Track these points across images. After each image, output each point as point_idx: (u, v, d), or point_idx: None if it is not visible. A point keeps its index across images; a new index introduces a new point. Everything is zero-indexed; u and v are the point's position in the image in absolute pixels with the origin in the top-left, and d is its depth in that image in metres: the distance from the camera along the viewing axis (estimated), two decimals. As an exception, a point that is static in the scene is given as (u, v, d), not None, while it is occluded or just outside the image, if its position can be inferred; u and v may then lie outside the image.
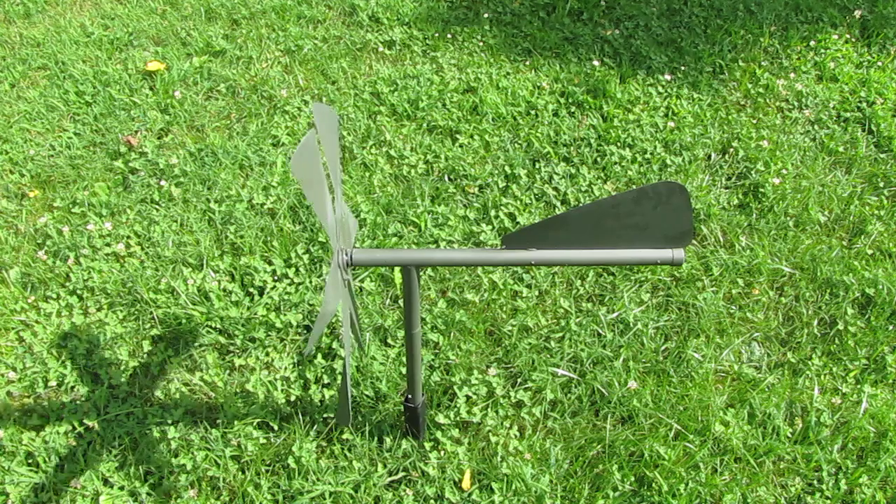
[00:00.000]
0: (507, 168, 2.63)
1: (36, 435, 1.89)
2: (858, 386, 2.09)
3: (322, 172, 1.20)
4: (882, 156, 2.81)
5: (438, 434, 1.90)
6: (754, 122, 2.91)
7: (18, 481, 1.80)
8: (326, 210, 1.23)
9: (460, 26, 3.31)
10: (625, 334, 2.15)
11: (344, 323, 1.35)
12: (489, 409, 1.97)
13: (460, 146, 2.72)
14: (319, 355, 2.06)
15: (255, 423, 1.91)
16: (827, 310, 2.27)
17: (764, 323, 2.23)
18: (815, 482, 1.90)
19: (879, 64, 3.21)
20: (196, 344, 2.08)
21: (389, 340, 2.11)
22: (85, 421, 1.91)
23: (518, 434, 1.95)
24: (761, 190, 2.61)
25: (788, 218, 2.52)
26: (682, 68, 3.12)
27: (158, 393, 1.99)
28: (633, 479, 1.85)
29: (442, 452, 1.88)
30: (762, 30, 3.35)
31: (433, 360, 2.07)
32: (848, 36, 3.37)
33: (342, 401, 1.32)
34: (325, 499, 1.79)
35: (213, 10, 3.33)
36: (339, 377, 2.01)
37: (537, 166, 2.65)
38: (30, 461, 1.85)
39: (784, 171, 2.68)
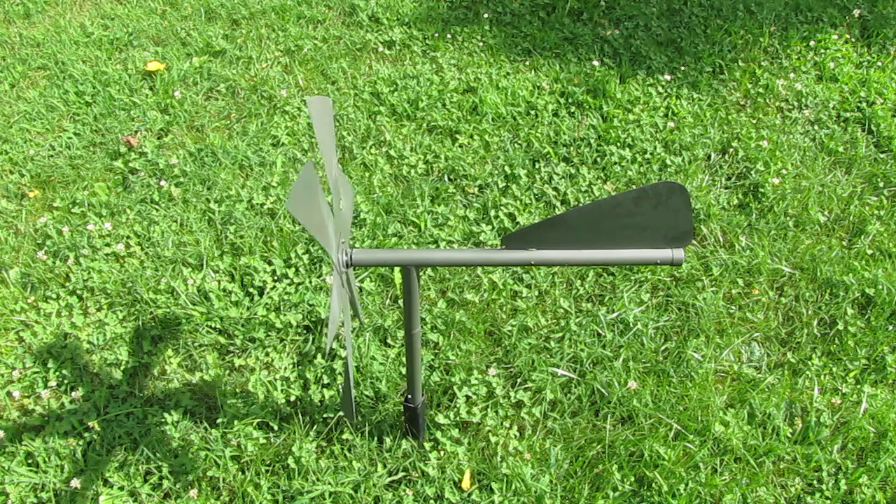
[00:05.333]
0: (507, 168, 2.63)
1: (36, 435, 1.89)
2: (858, 386, 2.09)
3: (321, 208, 1.19)
4: (882, 156, 2.81)
5: (438, 434, 1.90)
6: (754, 122, 2.91)
7: (18, 481, 1.80)
8: (330, 239, 1.22)
9: (460, 26, 3.31)
10: (625, 334, 2.15)
11: (345, 322, 1.35)
12: (489, 409, 1.97)
13: (460, 146, 2.72)
14: (319, 355, 2.06)
15: (255, 423, 1.91)
16: (827, 310, 2.27)
17: (764, 323, 2.23)
18: (815, 482, 1.90)
19: (879, 64, 3.21)
20: (196, 344, 2.08)
21: (389, 340, 2.11)
22: (85, 421, 1.91)
23: (518, 434, 1.95)
24: (761, 190, 2.61)
25: (788, 218, 2.52)
26: (682, 68, 3.12)
27: (158, 393, 1.99)
28: (633, 479, 1.85)
29: (442, 452, 1.88)
30: (762, 30, 3.35)
31: (433, 360, 2.07)
32: (848, 36, 3.37)
33: (346, 396, 1.32)
34: (325, 499, 1.79)
35: (213, 10, 3.33)
36: (341, 376, 2.01)
37: (537, 166, 2.65)
38: (30, 461, 1.85)
39: (784, 171, 2.68)
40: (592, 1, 3.46)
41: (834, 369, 2.12)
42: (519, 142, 2.76)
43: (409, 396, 1.73)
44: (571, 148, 2.73)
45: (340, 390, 1.99)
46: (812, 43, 3.30)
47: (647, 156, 2.72)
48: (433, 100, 2.89)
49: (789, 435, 1.97)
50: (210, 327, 2.11)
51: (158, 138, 2.72)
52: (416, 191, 2.52)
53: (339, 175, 1.38)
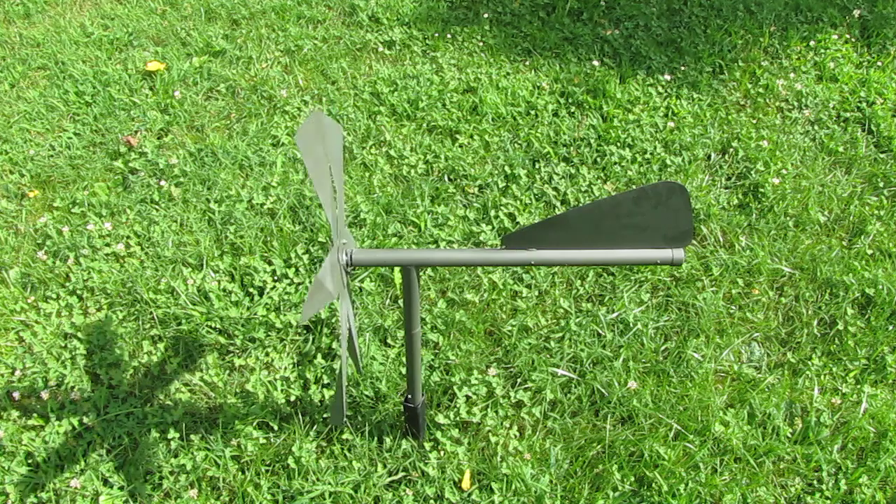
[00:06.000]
0: (507, 168, 2.63)
1: (36, 435, 1.89)
2: (858, 386, 2.09)
3: (323, 148, 1.21)
4: (882, 156, 2.81)
5: (438, 434, 1.90)
6: (754, 122, 2.91)
7: (18, 481, 1.80)
8: (326, 189, 1.23)
9: (460, 26, 3.31)
10: (625, 334, 2.15)
11: (342, 325, 1.35)
12: (489, 410, 1.97)
13: (460, 146, 2.72)
14: (319, 355, 2.06)
15: (255, 423, 1.91)
16: (827, 310, 2.27)
17: (764, 323, 2.23)
18: (815, 482, 1.90)
19: (879, 64, 3.21)
20: (196, 344, 2.08)
21: (389, 340, 2.11)
22: (85, 421, 1.91)
23: (518, 434, 1.95)
24: (761, 190, 2.61)
25: (788, 218, 2.52)
26: (682, 68, 3.12)
27: (158, 393, 1.99)
28: (633, 479, 1.85)
29: (442, 452, 1.88)
30: (762, 30, 3.35)
31: (433, 360, 2.07)
32: (848, 36, 3.37)
33: (337, 401, 1.32)
34: (325, 499, 1.79)
35: (213, 10, 3.33)
36: (338, 378, 2.01)
37: (537, 166, 2.65)
38: (30, 461, 1.85)
39: (784, 171, 2.68)
40: (592, 1, 3.46)
41: (834, 369, 2.12)
42: (519, 142, 2.76)
43: (409, 396, 1.73)
44: (571, 148, 2.73)
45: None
46: (812, 43, 3.30)
47: (647, 156, 2.72)
48: (433, 100, 2.89)
49: (789, 435, 1.97)
50: (210, 327, 2.11)
51: (158, 138, 2.72)
52: (416, 191, 2.52)
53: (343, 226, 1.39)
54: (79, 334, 2.09)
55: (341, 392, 1.29)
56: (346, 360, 1.29)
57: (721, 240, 2.45)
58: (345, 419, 1.85)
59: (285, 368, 2.04)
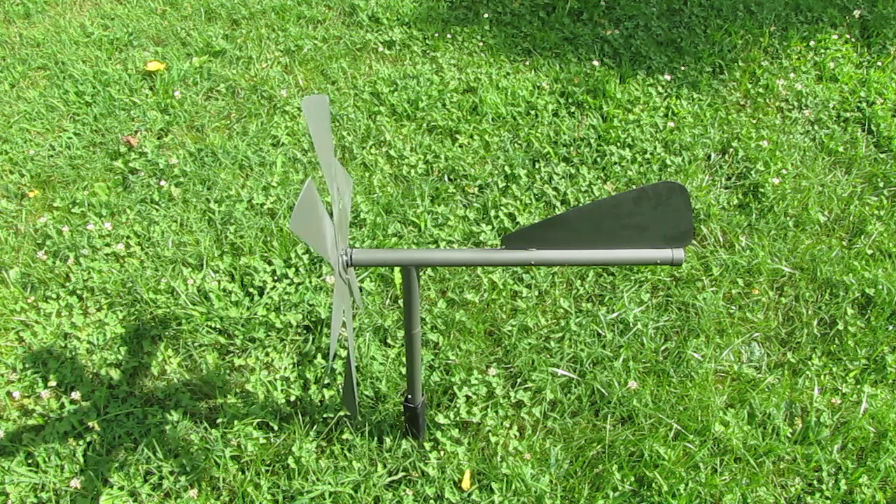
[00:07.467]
0: (507, 168, 2.63)
1: (36, 435, 1.89)
2: (858, 386, 2.09)
3: (323, 222, 1.19)
4: (882, 156, 2.81)
5: (438, 434, 1.90)
6: (754, 122, 2.91)
7: (18, 481, 1.80)
8: (328, 249, 1.23)
9: (460, 26, 3.31)
10: (625, 334, 2.15)
11: (347, 321, 1.35)
12: (489, 410, 1.97)
13: (460, 146, 2.72)
14: (319, 355, 2.06)
15: (255, 423, 1.91)
16: (827, 310, 2.27)
17: (764, 323, 2.23)
18: (815, 482, 1.90)
19: (879, 64, 3.21)
20: (196, 344, 2.08)
21: (389, 340, 2.11)
22: (85, 421, 1.91)
23: (518, 434, 1.95)
24: (761, 190, 2.61)
25: (788, 218, 2.52)
26: (682, 68, 3.12)
27: (158, 393, 1.99)
28: (633, 479, 1.85)
29: (442, 452, 1.88)
30: (762, 30, 3.35)
31: (433, 360, 2.07)
32: (848, 36, 3.37)
33: (348, 392, 1.32)
34: (325, 499, 1.79)
35: (213, 10, 3.33)
36: (341, 376, 2.02)
37: (537, 166, 2.65)
38: (30, 461, 1.85)
39: (784, 171, 2.68)
40: (592, 1, 3.46)
41: (834, 369, 2.12)
42: (519, 142, 2.76)
43: (409, 396, 1.73)
44: (571, 148, 2.73)
45: (340, 390, 1.99)
46: (812, 43, 3.30)
47: (647, 156, 2.72)
48: (433, 100, 2.89)
49: (789, 435, 1.97)
50: (210, 327, 2.11)
51: (158, 138, 2.72)
52: (416, 191, 2.52)
53: (336, 166, 1.38)
54: (79, 334, 2.09)
55: (351, 382, 1.29)
56: (353, 350, 1.29)
57: (721, 240, 2.45)
58: (357, 409, 1.84)
59: (285, 368, 2.04)
